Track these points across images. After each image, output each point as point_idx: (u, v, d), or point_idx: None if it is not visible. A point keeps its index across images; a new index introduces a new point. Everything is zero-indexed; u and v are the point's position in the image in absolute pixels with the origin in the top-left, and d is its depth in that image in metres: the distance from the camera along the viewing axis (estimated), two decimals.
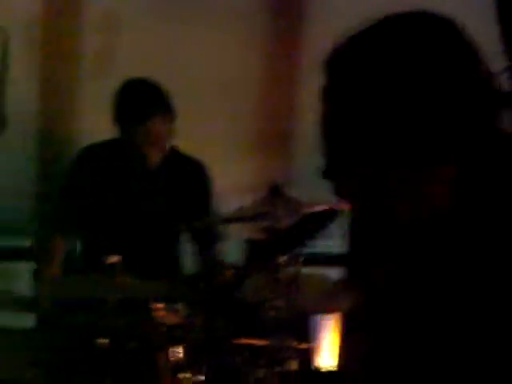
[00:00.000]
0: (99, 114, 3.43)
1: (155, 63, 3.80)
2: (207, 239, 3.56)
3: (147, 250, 3.44)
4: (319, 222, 1.92)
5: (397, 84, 1.28)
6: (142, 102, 3.31)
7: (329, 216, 1.85)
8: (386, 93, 1.28)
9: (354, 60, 1.31)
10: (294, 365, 2.56)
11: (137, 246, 3.38)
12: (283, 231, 2.22)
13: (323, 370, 2.90)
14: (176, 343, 2.57)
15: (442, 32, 1.33)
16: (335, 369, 2.78)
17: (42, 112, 3.88)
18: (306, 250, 2.97)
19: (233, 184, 3.91)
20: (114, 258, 2.63)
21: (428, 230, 1.40)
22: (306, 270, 2.94)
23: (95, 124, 3.77)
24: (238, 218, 2.96)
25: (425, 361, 1.43)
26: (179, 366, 2.56)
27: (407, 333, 1.47)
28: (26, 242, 3.95)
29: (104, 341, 2.60)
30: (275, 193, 2.77)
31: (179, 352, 2.55)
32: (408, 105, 1.27)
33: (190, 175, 3.57)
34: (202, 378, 2.59)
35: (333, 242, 3.92)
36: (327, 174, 1.36)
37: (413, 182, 1.33)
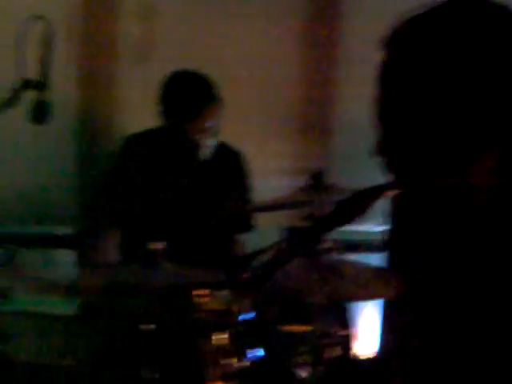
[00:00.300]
0: (139, 103, 3.46)
1: (193, 51, 3.82)
2: (244, 226, 3.60)
3: (190, 237, 3.46)
4: (360, 203, 1.92)
5: (451, 66, 1.32)
6: (194, 95, 3.32)
7: (370, 197, 1.86)
8: (440, 73, 1.32)
9: (411, 41, 1.36)
10: (335, 351, 2.56)
11: (180, 233, 3.41)
12: (324, 214, 2.23)
13: (363, 357, 2.91)
14: (220, 329, 2.59)
15: (496, 19, 1.35)
16: (374, 356, 2.78)
17: (82, 101, 3.91)
18: (347, 237, 2.98)
19: (272, 170, 3.92)
20: (157, 245, 2.65)
21: (476, 213, 1.41)
22: (346, 257, 2.95)
23: (135, 113, 3.80)
24: (280, 205, 2.97)
25: (466, 350, 1.43)
26: (223, 353, 2.57)
27: (449, 321, 1.47)
28: (67, 230, 4.00)
29: (148, 327, 2.62)
30: (317, 180, 2.77)
31: (223, 338, 2.57)
32: (462, 86, 1.32)
33: (231, 165, 3.60)
34: (246, 364, 2.61)
35: (374, 228, 3.93)
36: (381, 150, 1.41)
37: (460, 161, 1.36)
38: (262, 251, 2.61)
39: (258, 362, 2.58)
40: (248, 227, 3.63)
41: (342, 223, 2.07)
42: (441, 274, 1.51)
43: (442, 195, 1.46)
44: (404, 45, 1.37)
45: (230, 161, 3.59)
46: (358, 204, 1.90)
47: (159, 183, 3.50)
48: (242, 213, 3.54)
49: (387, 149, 1.42)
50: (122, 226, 3.60)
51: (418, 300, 1.58)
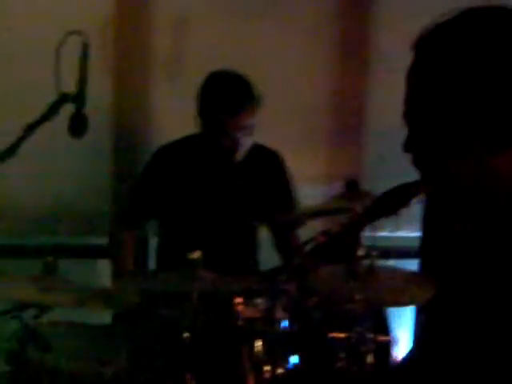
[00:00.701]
0: (173, 114, 3.48)
1: (225, 62, 3.83)
2: (287, 233, 3.60)
3: (227, 244, 3.48)
4: (395, 200, 1.95)
5: (476, 69, 1.40)
6: (236, 92, 3.34)
7: (405, 195, 1.88)
8: (467, 74, 1.41)
9: (438, 45, 1.45)
10: (370, 358, 2.56)
11: (216, 240, 3.42)
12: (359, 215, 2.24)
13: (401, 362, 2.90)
14: (260, 337, 2.60)
15: None
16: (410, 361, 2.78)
17: (117, 113, 3.94)
18: (383, 243, 2.98)
19: (306, 176, 3.92)
20: (195, 254, 2.67)
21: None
22: (382, 263, 2.95)
23: (170, 123, 3.82)
24: (318, 212, 2.98)
25: (496, 356, 1.43)
26: (263, 360, 2.58)
27: (480, 327, 1.48)
28: (105, 241, 4.03)
29: (186, 335, 2.63)
30: (352, 187, 2.77)
31: (263, 346, 2.58)
32: (485, 87, 1.40)
33: (270, 166, 3.60)
34: (283, 371, 2.61)
35: (410, 234, 3.93)
36: (409, 146, 1.50)
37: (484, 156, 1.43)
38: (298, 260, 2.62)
39: (296, 369, 2.59)
40: (298, 223, 3.58)
41: (379, 217, 2.09)
42: (471, 277, 1.52)
43: (469, 196, 1.50)
44: (431, 49, 1.46)
45: (267, 162, 3.59)
46: (395, 199, 1.93)
47: (195, 189, 3.51)
48: (287, 217, 3.54)
49: (413, 146, 1.50)
50: (138, 228, 3.64)
51: (449, 305, 1.58)
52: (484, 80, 1.40)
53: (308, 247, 2.29)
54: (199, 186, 3.51)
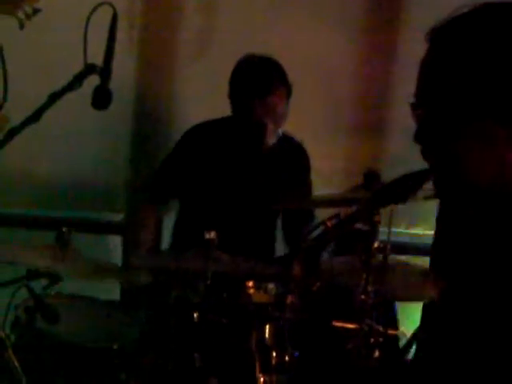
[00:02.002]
0: (197, 94, 3.48)
1: (252, 47, 3.82)
2: (301, 221, 3.58)
3: (243, 228, 3.47)
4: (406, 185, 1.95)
5: (491, 61, 1.41)
6: (265, 73, 3.32)
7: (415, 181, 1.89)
8: (479, 68, 1.42)
9: (454, 36, 1.46)
10: (384, 350, 2.55)
11: (233, 223, 3.41)
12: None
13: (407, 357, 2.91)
14: (270, 322, 2.60)
15: None
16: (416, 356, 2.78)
17: (141, 90, 3.94)
18: (397, 239, 2.97)
19: (328, 167, 3.92)
20: (210, 234, 2.67)
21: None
22: (394, 258, 2.95)
23: (193, 104, 3.82)
24: (333, 202, 2.97)
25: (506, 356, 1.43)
26: (273, 345, 2.58)
27: (491, 326, 1.47)
28: (118, 216, 4.04)
29: (195, 315, 2.64)
30: (371, 179, 2.76)
31: (274, 331, 2.58)
32: (496, 81, 1.41)
33: (294, 156, 3.59)
34: (288, 358, 2.62)
35: (424, 231, 3.92)
36: (417, 136, 1.53)
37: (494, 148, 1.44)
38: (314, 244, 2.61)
39: (305, 356, 2.60)
40: (310, 218, 3.60)
41: (388, 203, 2.10)
42: (481, 277, 1.52)
43: (481, 196, 1.51)
44: (446, 40, 1.47)
45: (293, 152, 3.58)
46: (404, 186, 1.94)
47: (220, 172, 3.50)
48: (302, 206, 3.53)
49: (422, 137, 1.52)
50: (162, 203, 3.62)
51: (457, 303, 1.58)
52: (497, 73, 1.41)
53: (317, 231, 2.29)
54: (224, 170, 3.50)
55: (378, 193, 2.18)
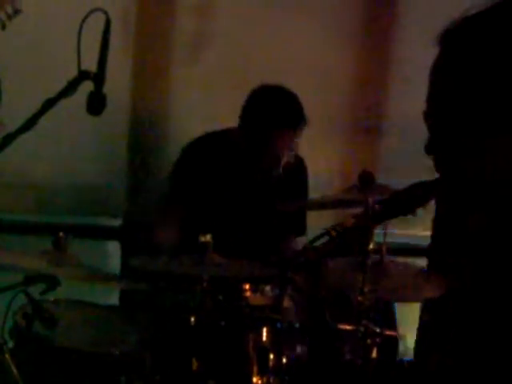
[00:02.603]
0: (192, 97, 3.49)
1: (248, 45, 3.83)
2: (298, 229, 3.61)
3: (239, 231, 3.48)
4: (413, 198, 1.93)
5: (504, 65, 1.32)
6: (288, 108, 3.29)
7: (423, 192, 1.87)
8: (495, 71, 1.33)
9: (468, 38, 1.37)
10: (381, 351, 2.55)
11: (230, 227, 3.41)
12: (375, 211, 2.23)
13: (405, 357, 2.91)
14: (267, 325, 2.60)
15: None
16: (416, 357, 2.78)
17: (136, 94, 3.95)
18: (394, 240, 2.97)
19: (324, 170, 3.92)
20: (206, 237, 2.67)
21: None
22: (391, 259, 2.95)
23: (188, 107, 3.82)
24: (329, 203, 2.97)
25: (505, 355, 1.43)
26: (270, 348, 2.59)
27: (487, 326, 1.47)
28: (116, 222, 4.04)
29: (192, 319, 2.64)
30: (366, 180, 2.76)
31: (270, 334, 2.58)
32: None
33: (296, 174, 3.58)
34: (285, 360, 2.62)
35: (421, 232, 3.91)
36: (430, 148, 1.42)
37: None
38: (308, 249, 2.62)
39: (303, 357, 2.60)
40: (301, 231, 3.63)
41: (395, 215, 2.06)
42: (480, 278, 1.51)
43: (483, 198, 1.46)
44: (458, 42, 1.38)
45: (295, 168, 3.55)
46: (413, 197, 1.90)
47: (225, 186, 3.49)
48: (296, 213, 3.54)
49: (435, 147, 1.43)
50: (185, 204, 3.57)
51: (458, 304, 1.58)
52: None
53: (320, 241, 2.28)
54: (228, 185, 3.49)
55: (386, 203, 2.14)
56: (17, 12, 2.27)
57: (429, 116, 1.43)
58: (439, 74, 1.41)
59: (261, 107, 3.31)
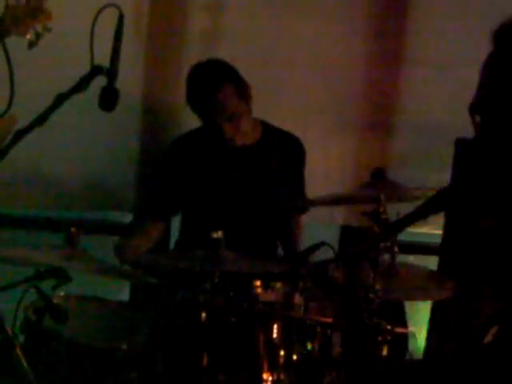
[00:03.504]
0: None
1: (259, 44, 3.83)
2: (299, 208, 3.61)
3: (246, 226, 3.49)
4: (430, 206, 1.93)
5: None
6: (206, 76, 3.37)
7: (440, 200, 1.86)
8: None
9: None
10: (391, 348, 2.55)
11: (234, 222, 3.41)
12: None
13: (415, 356, 2.90)
14: (278, 321, 2.60)
15: None
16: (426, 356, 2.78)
17: (147, 91, 3.94)
18: (405, 238, 2.97)
19: (336, 167, 3.92)
20: (217, 233, 2.67)
21: None
22: (403, 258, 2.94)
23: None
24: (340, 200, 2.97)
25: None
26: (281, 344, 2.59)
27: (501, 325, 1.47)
28: (127, 217, 4.04)
29: (203, 315, 2.64)
30: (378, 177, 2.76)
31: (281, 330, 2.58)
32: None
33: (288, 150, 3.59)
34: (296, 356, 2.62)
35: (432, 231, 3.91)
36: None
37: None
38: (319, 245, 2.62)
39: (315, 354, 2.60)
40: (303, 208, 3.63)
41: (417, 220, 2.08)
42: (494, 274, 1.51)
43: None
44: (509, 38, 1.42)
45: (288, 146, 3.58)
46: (432, 205, 1.91)
47: (208, 178, 3.52)
48: (300, 201, 3.54)
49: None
50: (163, 219, 3.63)
51: (469, 304, 1.58)
52: None
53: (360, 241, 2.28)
54: (210, 175, 3.53)
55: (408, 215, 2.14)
56: (47, 30, 2.27)
57: (476, 112, 1.47)
58: (492, 67, 1.45)
59: (188, 84, 3.44)
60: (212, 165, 3.52)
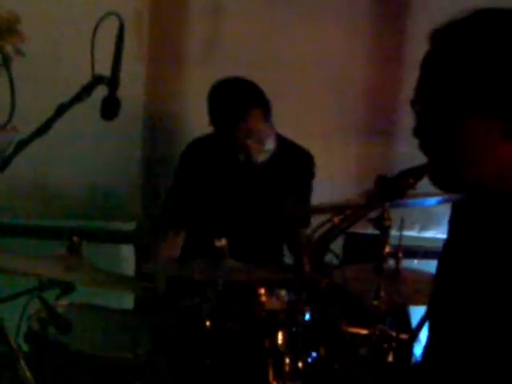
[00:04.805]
0: (205, 99, 3.47)
1: (260, 48, 3.83)
2: (302, 222, 3.59)
3: (252, 235, 3.48)
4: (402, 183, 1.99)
5: (478, 62, 1.53)
6: (237, 99, 3.33)
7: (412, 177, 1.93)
8: (470, 68, 1.54)
9: (449, 39, 1.58)
10: (396, 355, 2.55)
11: (242, 231, 3.41)
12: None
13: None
14: (282, 329, 2.60)
15: None
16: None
17: (149, 99, 3.94)
18: (409, 243, 2.96)
19: (340, 174, 3.92)
20: (221, 242, 2.66)
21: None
22: (407, 263, 2.94)
23: (201, 111, 3.81)
24: (347, 208, 2.96)
25: None
26: (286, 352, 2.58)
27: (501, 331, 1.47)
28: (131, 226, 4.04)
29: (207, 323, 2.63)
30: (383, 184, 2.75)
31: (286, 338, 2.58)
32: (488, 79, 1.52)
33: (299, 163, 3.59)
34: (301, 364, 2.61)
35: (437, 235, 3.90)
36: (416, 132, 1.61)
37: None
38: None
39: (317, 362, 2.59)
40: (306, 222, 3.61)
41: (390, 198, 2.14)
42: (493, 284, 1.52)
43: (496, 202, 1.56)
44: (445, 40, 1.58)
45: (298, 160, 3.59)
46: (404, 180, 1.97)
47: (224, 185, 3.52)
48: (304, 213, 3.54)
49: (420, 132, 1.61)
50: (183, 225, 3.62)
51: (470, 306, 1.58)
52: (484, 73, 1.52)
53: (323, 228, 2.28)
54: (227, 183, 3.52)
55: (381, 187, 2.20)
56: (18, 54, 2.26)
57: (417, 103, 1.61)
58: (426, 67, 1.61)
59: (215, 107, 3.39)
60: (226, 173, 3.52)
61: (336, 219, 2.16)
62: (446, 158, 1.59)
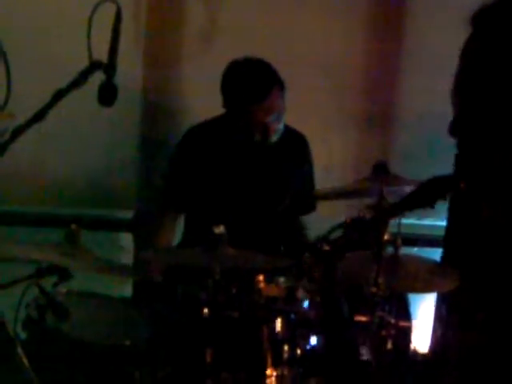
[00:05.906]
0: (203, 86, 3.48)
1: (259, 36, 3.83)
2: (307, 208, 3.65)
3: (251, 222, 3.48)
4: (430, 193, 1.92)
5: None
6: (260, 78, 3.34)
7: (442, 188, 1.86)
8: None
9: (498, 20, 1.36)
10: (395, 342, 2.54)
11: (241, 218, 3.42)
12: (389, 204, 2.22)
13: (420, 350, 2.89)
14: (281, 316, 2.59)
15: None
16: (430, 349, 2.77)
17: (147, 84, 3.94)
18: (409, 230, 2.96)
19: (338, 161, 3.91)
20: (219, 229, 2.65)
21: None
22: (406, 250, 2.93)
23: (199, 96, 3.82)
24: (342, 193, 2.96)
25: None
26: (284, 339, 2.58)
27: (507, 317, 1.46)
28: (129, 214, 4.04)
29: (205, 311, 2.63)
30: (380, 170, 2.75)
31: (284, 325, 2.57)
32: None
33: (298, 150, 3.62)
34: (299, 351, 2.61)
35: (437, 222, 3.89)
36: (455, 129, 1.40)
37: None
38: (323, 239, 2.60)
39: (317, 349, 2.59)
40: (310, 208, 3.67)
41: (415, 208, 2.06)
42: (497, 270, 1.50)
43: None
44: (491, 22, 1.36)
45: (295, 145, 3.61)
46: (432, 191, 1.89)
47: (225, 170, 3.51)
48: (307, 198, 3.55)
49: (459, 129, 1.41)
50: (181, 209, 3.61)
51: (474, 295, 1.57)
52: None
53: (336, 232, 2.27)
54: (228, 168, 3.51)
55: (406, 199, 2.13)
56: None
57: (457, 93, 1.40)
58: (471, 52, 1.39)
59: (233, 86, 3.38)
60: (227, 158, 3.51)
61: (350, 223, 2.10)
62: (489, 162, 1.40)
